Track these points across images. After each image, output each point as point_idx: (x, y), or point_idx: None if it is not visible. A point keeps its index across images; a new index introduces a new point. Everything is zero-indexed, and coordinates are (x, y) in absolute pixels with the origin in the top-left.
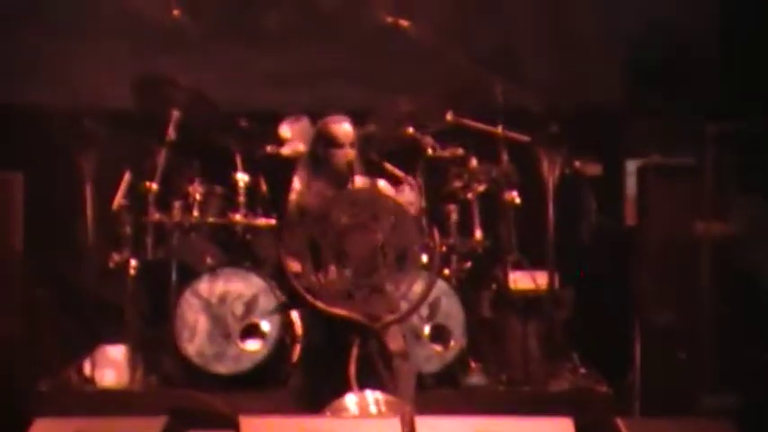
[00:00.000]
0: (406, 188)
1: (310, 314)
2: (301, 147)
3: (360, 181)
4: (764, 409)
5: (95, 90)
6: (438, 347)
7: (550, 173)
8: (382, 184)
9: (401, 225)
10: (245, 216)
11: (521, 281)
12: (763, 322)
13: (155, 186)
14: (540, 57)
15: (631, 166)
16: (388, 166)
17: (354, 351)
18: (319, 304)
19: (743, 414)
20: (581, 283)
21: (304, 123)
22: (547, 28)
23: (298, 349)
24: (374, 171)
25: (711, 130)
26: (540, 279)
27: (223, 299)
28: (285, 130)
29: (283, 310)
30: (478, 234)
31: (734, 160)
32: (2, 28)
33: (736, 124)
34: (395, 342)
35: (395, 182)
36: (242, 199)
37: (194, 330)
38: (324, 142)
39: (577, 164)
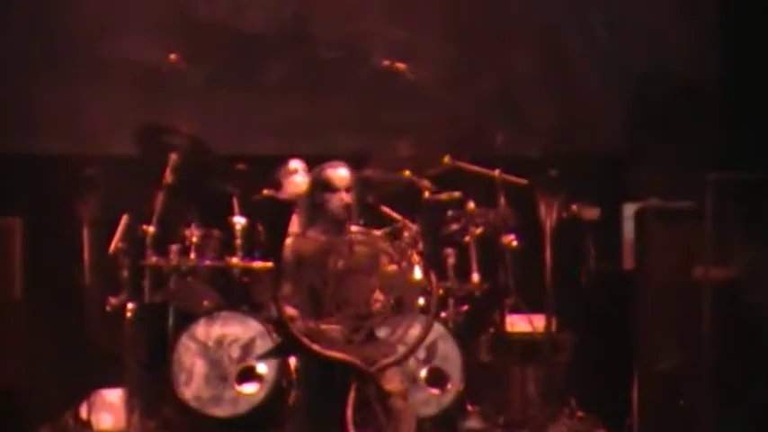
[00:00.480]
0: (404, 232)
1: (307, 357)
2: (294, 189)
3: (354, 229)
4: None
5: (94, 136)
6: (435, 391)
7: (548, 216)
8: (377, 232)
9: (399, 269)
10: (242, 259)
11: (518, 324)
12: (763, 367)
13: (152, 230)
14: (539, 102)
15: (629, 209)
16: (386, 210)
17: (351, 395)
18: (316, 348)
19: None
20: (579, 326)
21: (301, 167)
22: (546, 74)
23: (294, 392)
24: (371, 215)
25: (711, 177)
26: (538, 322)
27: (220, 342)
28: (295, 164)
29: (278, 353)
30: (476, 277)
31: (733, 206)
32: (2, 79)
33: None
34: (394, 383)
35: (392, 225)
36: (239, 242)
37: (191, 374)
38: (320, 187)
39: (575, 207)
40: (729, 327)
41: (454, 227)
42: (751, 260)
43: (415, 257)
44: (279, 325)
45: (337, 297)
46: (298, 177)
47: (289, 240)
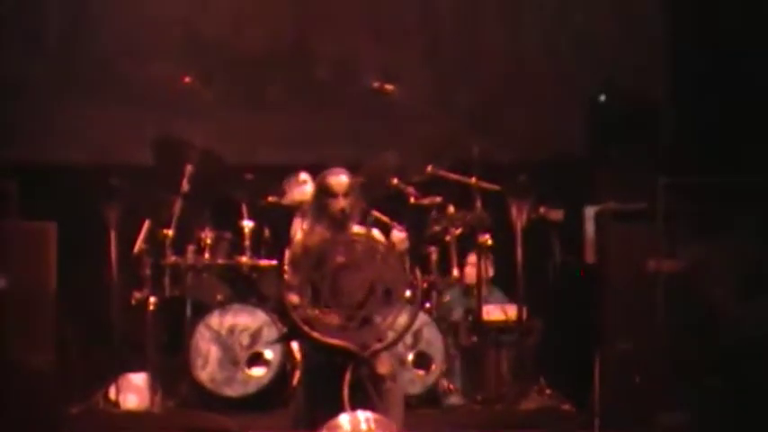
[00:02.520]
0: (396, 233)
1: (308, 343)
2: (298, 196)
3: (357, 228)
4: (710, 426)
5: (120, 150)
6: (421, 372)
7: (519, 217)
8: (375, 232)
9: (389, 265)
10: (251, 258)
11: (493, 313)
12: (709, 349)
13: (171, 232)
14: (509, 116)
15: (590, 211)
16: (376, 214)
17: (347, 376)
18: (315, 335)
19: (692, 430)
20: (548, 314)
21: (303, 177)
22: (515, 90)
23: (297, 374)
24: (364, 218)
25: (663, 181)
26: (510, 311)
27: (232, 331)
28: (304, 176)
29: (283, 340)
30: (455, 272)
31: (681, 207)
32: (38, 97)
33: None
34: (385, 366)
35: (383, 228)
36: (247, 243)
37: (207, 359)
38: (321, 192)
39: (542, 209)
40: (680, 313)
41: (436, 228)
42: (698, 254)
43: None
44: (283, 314)
45: (334, 289)
46: (307, 187)
47: (298, 236)
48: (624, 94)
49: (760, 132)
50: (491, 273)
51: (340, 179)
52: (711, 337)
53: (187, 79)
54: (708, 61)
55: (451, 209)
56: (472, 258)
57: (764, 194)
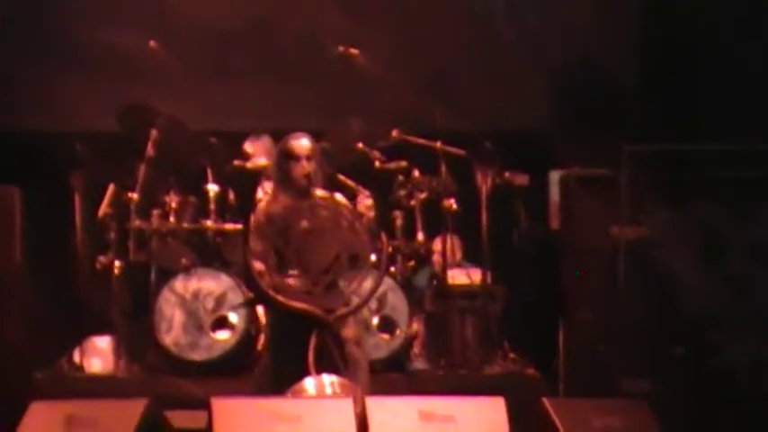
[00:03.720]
0: (362, 198)
1: (273, 308)
2: (263, 161)
3: (320, 193)
4: (671, 392)
5: (84, 116)
6: (385, 336)
7: (483, 183)
8: (339, 195)
9: (354, 230)
10: (215, 222)
11: (458, 277)
12: (671, 316)
13: (136, 197)
14: (476, 82)
15: (555, 176)
16: (342, 178)
17: (312, 340)
18: (280, 299)
19: (654, 395)
20: (512, 279)
21: (266, 140)
22: (482, 57)
23: (262, 339)
24: (329, 183)
25: (627, 148)
26: (475, 276)
27: (196, 295)
28: (248, 146)
29: (248, 305)
30: (420, 236)
31: (645, 175)
32: (2, 63)
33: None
34: (350, 330)
35: (349, 192)
36: (212, 207)
37: (171, 323)
38: (284, 156)
39: (507, 175)
40: (643, 279)
41: (401, 192)
42: (662, 222)
43: (369, 219)
44: (248, 279)
45: (300, 254)
46: (263, 149)
47: (261, 203)
48: (590, 62)
49: (725, 101)
50: (459, 255)
51: (302, 143)
52: (674, 304)
53: (152, 43)
54: (675, 29)
55: (417, 173)
56: (438, 245)
57: (728, 163)
